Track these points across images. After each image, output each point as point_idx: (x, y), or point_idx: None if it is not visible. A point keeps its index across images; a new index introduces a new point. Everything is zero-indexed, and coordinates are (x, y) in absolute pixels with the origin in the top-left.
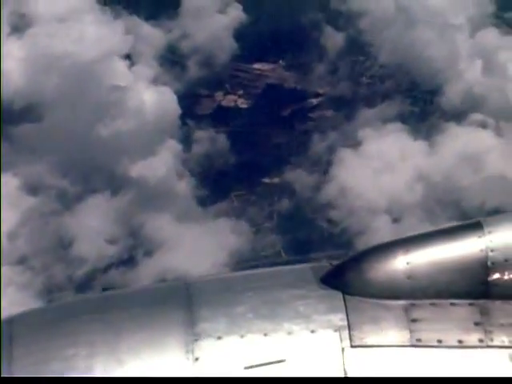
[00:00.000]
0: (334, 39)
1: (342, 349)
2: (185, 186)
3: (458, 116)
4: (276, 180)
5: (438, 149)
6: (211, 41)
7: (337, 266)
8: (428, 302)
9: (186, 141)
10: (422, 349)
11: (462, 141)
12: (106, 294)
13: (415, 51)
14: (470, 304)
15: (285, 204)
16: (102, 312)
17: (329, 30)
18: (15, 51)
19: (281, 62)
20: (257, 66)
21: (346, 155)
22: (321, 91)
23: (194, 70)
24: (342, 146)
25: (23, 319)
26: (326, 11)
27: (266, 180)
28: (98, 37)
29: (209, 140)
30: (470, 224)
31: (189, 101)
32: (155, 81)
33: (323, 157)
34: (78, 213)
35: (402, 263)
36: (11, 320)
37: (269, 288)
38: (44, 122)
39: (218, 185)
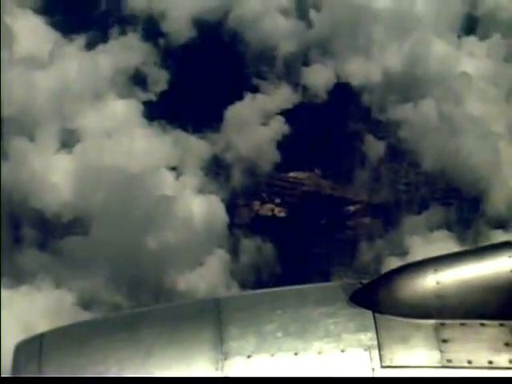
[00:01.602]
0: (374, 147)
1: (372, 369)
2: None
3: (504, 223)
4: None
5: None
6: (254, 151)
7: (367, 284)
8: (458, 322)
9: (235, 250)
10: (453, 370)
11: None
12: (135, 311)
13: (458, 158)
14: (501, 324)
15: None
16: (132, 329)
17: (369, 138)
18: (64, 166)
19: (316, 170)
20: (293, 174)
21: (394, 265)
22: (358, 198)
23: (237, 180)
24: (389, 255)
25: (53, 335)
26: (366, 120)
27: None
28: (145, 150)
29: (256, 249)
30: (500, 244)
31: (229, 210)
32: (201, 191)
33: (371, 266)
34: None
35: (432, 282)
36: (42, 335)
37: (298, 306)
38: (91, 234)
39: None
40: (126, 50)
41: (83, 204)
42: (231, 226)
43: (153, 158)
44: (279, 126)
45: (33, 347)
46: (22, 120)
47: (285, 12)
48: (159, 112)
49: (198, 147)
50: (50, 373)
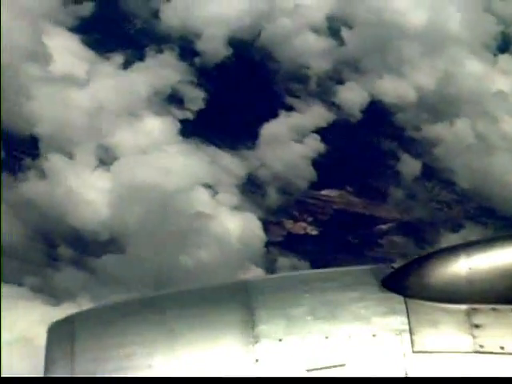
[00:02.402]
0: (408, 165)
1: (403, 354)
2: None
3: None
4: None
5: None
6: (288, 169)
7: (398, 268)
8: (490, 307)
9: (271, 268)
10: (485, 355)
11: None
12: (165, 292)
13: (493, 176)
14: None
15: None
16: (161, 311)
17: (404, 156)
18: (101, 183)
19: (348, 188)
20: (325, 192)
21: None
22: (391, 217)
23: (271, 197)
24: None
25: (85, 317)
26: (400, 139)
27: None
28: (181, 167)
29: (291, 267)
30: None
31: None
32: (237, 208)
33: None
34: None
35: (464, 267)
36: (73, 317)
37: (328, 289)
38: (128, 252)
39: None
40: (162, 69)
41: (120, 222)
42: (267, 243)
43: (189, 176)
44: (314, 144)
45: (65, 328)
46: (59, 138)
47: (316, 30)
48: (195, 130)
49: (233, 165)
50: (83, 354)
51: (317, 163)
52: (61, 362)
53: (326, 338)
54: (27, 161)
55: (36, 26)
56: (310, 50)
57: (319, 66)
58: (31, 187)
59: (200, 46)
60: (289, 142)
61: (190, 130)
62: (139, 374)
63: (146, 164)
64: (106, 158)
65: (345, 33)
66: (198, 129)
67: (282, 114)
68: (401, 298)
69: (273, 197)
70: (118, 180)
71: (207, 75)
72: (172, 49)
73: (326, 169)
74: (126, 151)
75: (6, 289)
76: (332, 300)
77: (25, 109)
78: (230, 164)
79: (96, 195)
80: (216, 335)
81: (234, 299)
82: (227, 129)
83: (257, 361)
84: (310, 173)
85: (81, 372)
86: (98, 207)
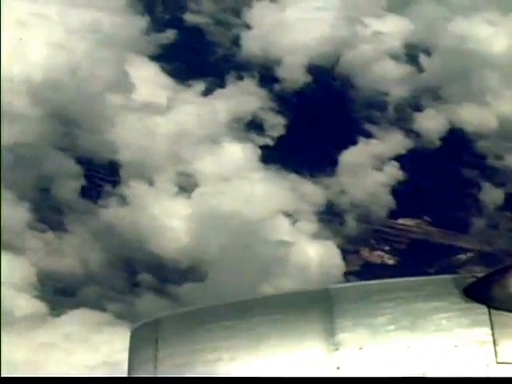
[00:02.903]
0: (490, 194)
1: (487, 365)
2: None
3: None
4: None
5: None
6: (367, 197)
7: (481, 278)
8: None
9: None
10: None
11: None
12: (247, 299)
13: None
14: None
15: None
16: (244, 317)
17: (485, 185)
18: (182, 210)
19: (425, 217)
20: (402, 221)
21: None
22: (471, 247)
23: (350, 226)
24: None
25: (168, 321)
26: (482, 167)
27: None
28: (262, 195)
29: None
30: None
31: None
32: (316, 236)
33: None
34: None
35: None
36: (157, 321)
37: (410, 299)
38: (208, 280)
39: None
40: (242, 96)
41: (200, 249)
42: (345, 272)
43: (269, 203)
44: (393, 172)
45: (149, 332)
46: (140, 164)
47: (395, 57)
48: (275, 156)
49: (312, 192)
50: (165, 357)
51: (396, 191)
52: (144, 367)
53: (408, 347)
54: (108, 187)
55: (119, 55)
56: (389, 76)
57: (398, 93)
58: (112, 213)
59: (280, 72)
60: (368, 169)
61: (271, 157)
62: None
63: (226, 191)
64: (186, 185)
65: (423, 60)
66: (278, 155)
67: (361, 140)
68: (484, 309)
69: (351, 225)
70: (199, 207)
71: (287, 102)
72: (252, 76)
73: (405, 197)
74: (206, 178)
75: (89, 314)
76: (414, 310)
77: (108, 136)
78: (310, 191)
79: (177, 222)
80: (298, 342)
81: (316, 306)
82: (306, 155)
83: (338, 368)
84: (389, 201)
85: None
86: (178, 234)
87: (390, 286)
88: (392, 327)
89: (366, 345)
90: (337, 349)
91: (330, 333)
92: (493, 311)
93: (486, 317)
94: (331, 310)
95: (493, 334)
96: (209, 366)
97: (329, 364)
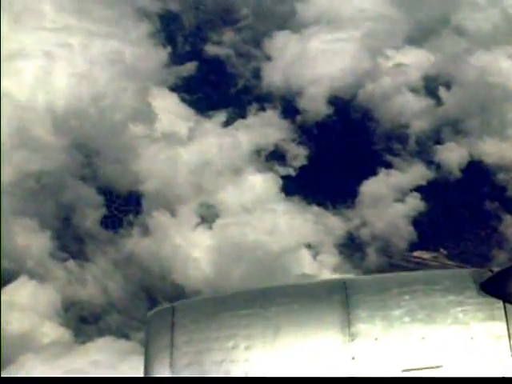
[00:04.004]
0: (510, 227)
1: (501, 358)
2: None
3: None
4: None
5: None
6: (388, 228)
7: (497, 273)
8: None
9: None
10: None
11: None
12: (264, 288)
13: None
14: None
15: None
16: (261, 307)
17: (507, 217)
18: (204, 241)
19: (442, 250)
20: (417, 253)
21: None
22: None
23: (372, 259)
24: None
25: (185, 307)
26: (502, 200)
27: None
28: (283, 226)
29: None
30: None
31: None
32: (337, 269)
33: None
34: None
35: None
36: (174, 307)
37: (426, 292)
38: None
39: None
40: (264, 126)
41: (223, 280)
42: None
43: (291, 235)
44: (414, 203)
45: (165, 318)
46: (163, 195)
47: (414, 89)
48: (297, 187)
49: (333, 223)
50: (183, 345)
51: (416, 222)
52: (161, 353)
53: (423, 339)
54: (130, 217)
55: (141, 86)
56: (409, 109)
57: (418, 125)
58: (134, 243)
59: (301, 104)
60: (389, 201)
61: (292, 187)
62: (237, 367)
63: (248, 222)
64: (208, 216)
65: (443, 93)
66: (300, 186)
67: (382, 171)
68: (500, 303)
69: (371, 258)
70: (221, 238)
71: (309, 133)
72: (274, 107)
73: (425, 228)
74: (228, 208)
75: (114, 342)
76: (431, 303)
77: (130, 166)
78: (331, 222)
79: (199, 253)
80: (314, 332)
81: (332, 297)
82: (328, 186)
83: (353, 358)
84: (409, 232)
85: (180, 363)
86: (200, 265)
87: (407, 279)
88: (408, 319)
89: (382, 336)
90: (353, 339)
91: (346, 323)
92: (508, 306)
93: (502, 311)
94: (348, 301)
95: (508, 329)
96: (225, 353)
97: (344, 354)
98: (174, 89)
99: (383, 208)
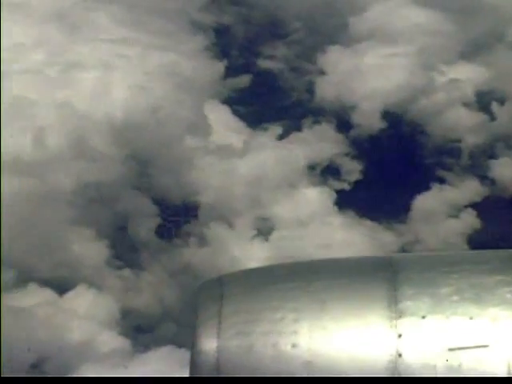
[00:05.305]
0: None
1: None
2: None
3: None
4: None
5: None
6: (443, 246)
7: None
8: None
9: None
10: None
11: None
12: (311, 261)
13: None
14: None
15: None
16: (308, 279)
17: None
18: (260, 253)
19: None
20: None
21: None
22: None
23: None
24: None
25: (234, 278)
26: None
27: None
28: (338, 241)
29: None
30: None
31: None
32: None
33: None
34: None
35: None
36: (221, 279)
37: (475, 271)
38: None
39: None
40: (319, 140)
41: None
42: None
43: (345, 249)
44: (470, 220)
45: (214, 289)
46: (219, 206)
47: (467, 104)
48: (351, 201)
49: (386, 239)
50: (231, 315)
51: (472, 240)
52: (208, 323)
53: (471, 318)
54: (187, 227)
55: (197, 98)
56: (462, 124)
57: (471, 140)
58: (192, 253)
59: (355, 118)
60: (442, 217)
61: (346, 202)
62: (284, 339)
63: (303, 235)
64: (264, 228)
65: (496, 108)
66: (354, 200)
67: (435, 186)
68: None
69: None
70: (277, 250)
71: (362, 147)
72: (329, 120)
73: (481, 247)
74: (283, 222)
75: (175, 352)
76: (479, 282)
77: (185, 178)
78: (384, 237)
79: (256, 264)
80: (360, 308)
81: (380, 273)
82: (380, 201)
83: (400, 336)
84: (465, 250)
85: (227, 333)
86: None
87: (455, 258)
88: (455, 298)
89: (429, 314)
90: (400, 316)
91: (393, 300)
92: None
93: None
94: (395, 278)
95: None
96: (273, 325)
97: (391, 331)
98: (228, 102)
99: (437, 224)
